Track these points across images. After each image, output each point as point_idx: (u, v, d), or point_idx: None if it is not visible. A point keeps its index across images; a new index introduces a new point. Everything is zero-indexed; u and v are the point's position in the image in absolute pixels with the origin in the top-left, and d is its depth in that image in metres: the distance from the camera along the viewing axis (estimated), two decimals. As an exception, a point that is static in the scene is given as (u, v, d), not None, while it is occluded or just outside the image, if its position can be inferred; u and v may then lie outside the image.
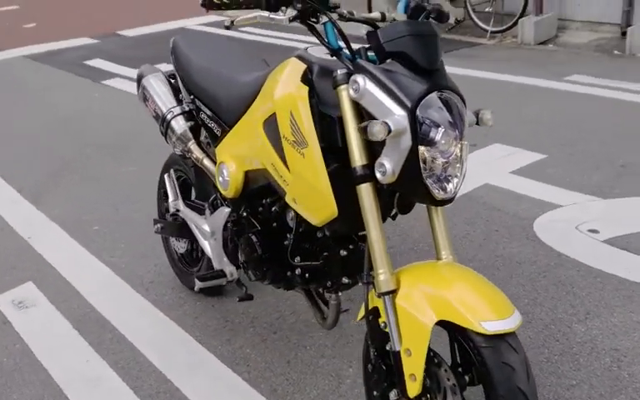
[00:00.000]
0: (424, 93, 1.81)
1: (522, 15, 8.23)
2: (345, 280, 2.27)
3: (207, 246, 2.75)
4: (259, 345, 2.87)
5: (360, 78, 1.87)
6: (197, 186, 2.89)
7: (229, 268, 2.66)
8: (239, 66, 2.72)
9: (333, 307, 2.41)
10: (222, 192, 2.59)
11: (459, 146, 1.86)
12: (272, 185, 2.30)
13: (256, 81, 2.42)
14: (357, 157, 1.92)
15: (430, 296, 1.85)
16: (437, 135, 1.81)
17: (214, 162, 2.75)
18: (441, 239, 2.02)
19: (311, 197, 2.06)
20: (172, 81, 2.93)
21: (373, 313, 2.01)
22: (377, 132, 1.77)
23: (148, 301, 3.27)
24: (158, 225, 3.12)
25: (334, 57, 2.11)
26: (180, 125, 2.79)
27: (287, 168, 2.11)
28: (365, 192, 1.93)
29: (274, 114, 2.16)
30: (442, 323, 1.82)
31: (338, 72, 1.96)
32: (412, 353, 1.88)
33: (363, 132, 1.81)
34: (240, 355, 2.83)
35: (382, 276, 1.92)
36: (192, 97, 2.73)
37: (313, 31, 2.04)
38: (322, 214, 2.05)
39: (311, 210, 2.08)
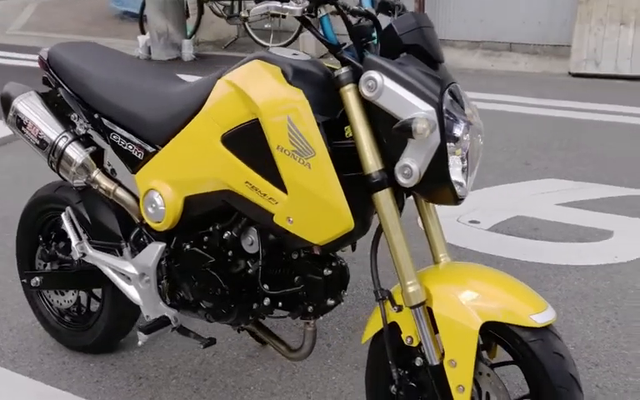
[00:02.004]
0: (445, 86, 1.71)
1: (300, 31, 8.52)
2: (330, 302, 2.05)
3: (132, 291, 2.29)
4: (193, 398, 2.48)
5: (376, 75, 1.70)
6: (98, 223, 2.39)
7: (171, 313, 2.25)
8: (149, 77, 2.32)
9: (310, 333, 2.16)
10: (153, 224, 2.18)
11: (475, 139, 1.80)
12: (235, 207, 2.00)
13: (192, 92, 2.08)
14: (372, 163, 1.75)
15: (469, 299, 1.75)
16: (460, 129, 1.72)
17: (130, 192, 2.31)
18: (437, 241, 1.93)
19: (318, 213, 1.81)
20: (49, 102, 2.40)
21: (391, 330, 1.85)
22: (422, 129, 1.63)
23: (23, 374, 2.64)
24: (37, 279, 2.53)
25: (309, 58, 1.91)
26: (78, 152, 2.28)
27: (278, 184, 1.84)
28: (384, 198, 1.77)
29: (247, 125, 1.87)
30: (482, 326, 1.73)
31: (342, 71, 1.77)
32: (458, 363, 1.75)
33: (399, 131, 1.66)
34: (174, 414, 2.41)
35: (413, 287, 1.78)
36: (96, 115, 2.25)
37: (310, 26, 1.81)
38: (333, 230, 1.81)
39: (317, 228, 1.83)
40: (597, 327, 2.83)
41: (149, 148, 2.19)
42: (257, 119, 1.84)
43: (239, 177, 1.92)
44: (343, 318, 2.93)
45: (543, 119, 5.69)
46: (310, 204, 1.81)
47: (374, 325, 1.94)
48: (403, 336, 1.85)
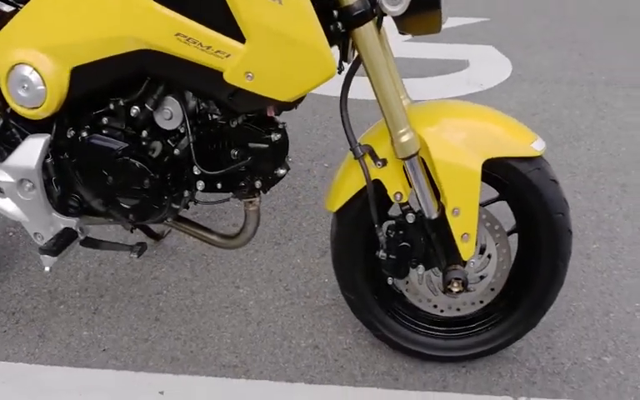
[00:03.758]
0: None
1: None
2: (281, 171, 1.71)
3: (8, 206, 1.69)
4: (95, 321, 2.01)
5: None
6: None
7: (72, 222, 1.71)
8: None
9: (253, 214, 1.81)
10: (27, 112, 1.59)
11: None
12: (156, 73, 1.52)
13: None
14: (353, -9, 1.42)
15: (464, 139, 1.56)
16: None
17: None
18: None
19: (291, 62, 1.42)
20: None
21: (375, 189, 1.59)
22: None
23: None
24: None
25: None
26: None
27: (231, 31, 1.40)
28: (369, 33, 1.46)
29: None
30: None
31: None
32: (462, 210, 1.57)
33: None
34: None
35: (407, 136, 1.53)
36: None
37: None
38: (311, 80, 1.43)
39: (286, 80, 1.44)
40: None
41: (4, 6, 1.57)
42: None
43: (166, 30, 1.43)
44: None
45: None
46: (280, 51, 1.41)
47: (349, 187, 1.66)
48: (390, 193, 1.61)
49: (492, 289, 1.74)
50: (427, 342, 1.81)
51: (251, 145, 1.66)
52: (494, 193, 1.70)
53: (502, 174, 1.61)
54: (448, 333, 1.81)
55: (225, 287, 2.13)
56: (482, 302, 1.76)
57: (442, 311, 1.78)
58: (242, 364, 1.85)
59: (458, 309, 1.77)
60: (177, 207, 1.74)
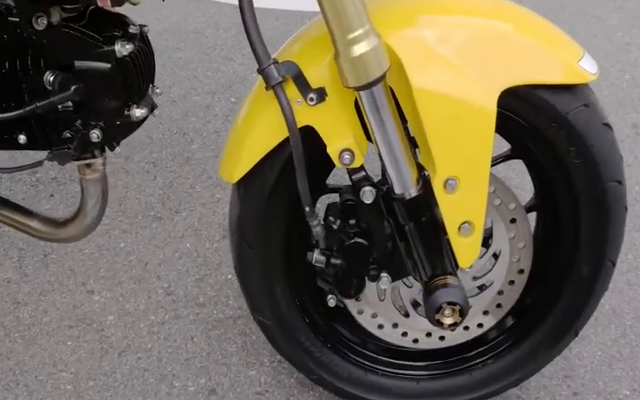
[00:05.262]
0: None
1: None
2: (138, 111, 0.97)
3: None
4: None
5: None
6: None
7: None
8: None
9: (93, 185, 1.05)
10: None
11: None
12: None
13: None
14: None
15: (469, 53, 0.87)
16: None
17: None
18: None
19: None
20: None
21: (304, 144, 0.87)
22: None
23: None
24: None
25: None
26: None
27: None
28: None
29: None
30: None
31: None
32: (462, 181, 0.89)
33: None
34: None
35: (365, 43, 0.86)
36: None
37: None
38: None
39: None
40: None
41: None
42: None
43: None
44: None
45: None
46: None
47: (258, 142, 0.93)
48: (331, 150, 0.89)
49: (499, 306, 1.07)
50: (391, 386, 1.13)
51: (77, 64, 0.91)
52: (503, 147, 1.01)
53: (523, 114, 0.92)
54: (425, 373, 1.13)
55: (70, 293, 1.37)
56: (480, 325, 1.08)
57: (415, 341, 1.10)
58: (89, 432, 1.13)
59: (442, 338, 1.09)
60: None
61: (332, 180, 1.05)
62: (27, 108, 0.90)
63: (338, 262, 0.95)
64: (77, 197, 1.61)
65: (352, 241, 0.94)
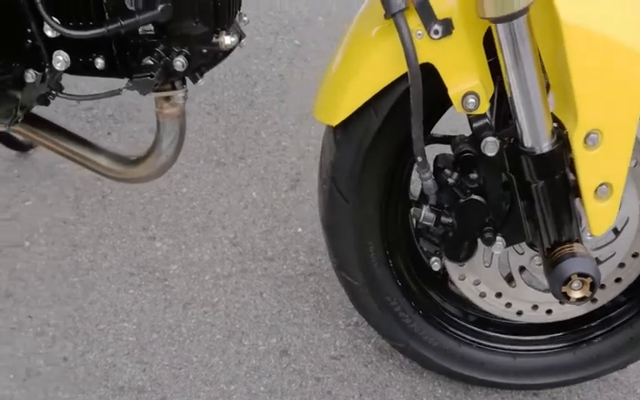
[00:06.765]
0: None
1: None
2: (227, 39, 0.86)
3: None
4: None
5: None
6: None
7: None
8: None
9: (172, 121, 0.95)
10: None
11: None
12: None
13: None
14: None
15: None
16: None
17: None
18: None
19: None
20: None
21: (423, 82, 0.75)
22: None
23: None
24: None
25: None
26: None
27: None
28: None
29: None
30: None
31: None
32: (605, 135, 0.77)
33: None
34: None
35: None
36: None
37: None
38: None
39: None
40: None
41: None
42: None
43: None
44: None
45: None
46: None
47: (368, 80, 0.82)
48: (453, 91, 0.77)
49: (618, 280, 0.95)
50: (485, 360, 1.03)
51: None
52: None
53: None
54: (524, 348, 1.03)
55: (130, 238, 1.28)
56: (594, 299, 0.97)
57: (519, 313, 0.99)
58: (156, 386, 1.05)
59: (549, 311, 0.99)
60: (16, 96, 0.88)
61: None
62: (110, 27, 0.80)
63: (450, 220, 0.85)
64: (135, 136, 1.53)
65: (468, 198, 0.83)
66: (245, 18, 0.95)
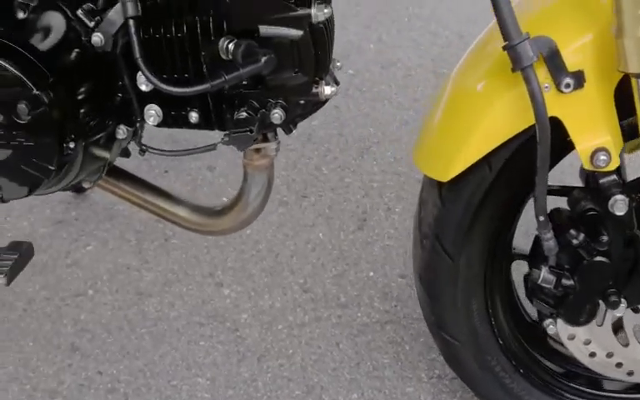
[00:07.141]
0: None
1: None
2: (327, 89, 0.81)
3: None
4: None
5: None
6: None
7: None
8: None
9: (261, 172, 0.90)
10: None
11: None
12: None
13: None
14: None
15: None
16: None
17: None
18: None
19: None
20: None
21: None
22: None
23: None
24: None
25: None
26: None
27: None
28: None
29: None
30: None
31: None
32: None
33: None
34: None
35: None
36: None
37: None
38: None
39: None
40: None
41: None
42: None
43: None
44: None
45: None
46: None
47: (490, 133, 0.76)
48: (583, 150, 0.72)
49: None
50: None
51: (263, 30, 0.76)
52: None
53: None
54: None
55: (197, 285, 1.23)
56: None
57: (630, 373, 0.93)
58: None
59: (664, 371, 0.93)
60: (107, 153, 0.83)
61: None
62: (214, 83, 0.75)
63: (571, 283, 0.79)
64: (192, 174, 1.48)
65: (594, 259, 0.78)
66: (338, 64, 0.90)
